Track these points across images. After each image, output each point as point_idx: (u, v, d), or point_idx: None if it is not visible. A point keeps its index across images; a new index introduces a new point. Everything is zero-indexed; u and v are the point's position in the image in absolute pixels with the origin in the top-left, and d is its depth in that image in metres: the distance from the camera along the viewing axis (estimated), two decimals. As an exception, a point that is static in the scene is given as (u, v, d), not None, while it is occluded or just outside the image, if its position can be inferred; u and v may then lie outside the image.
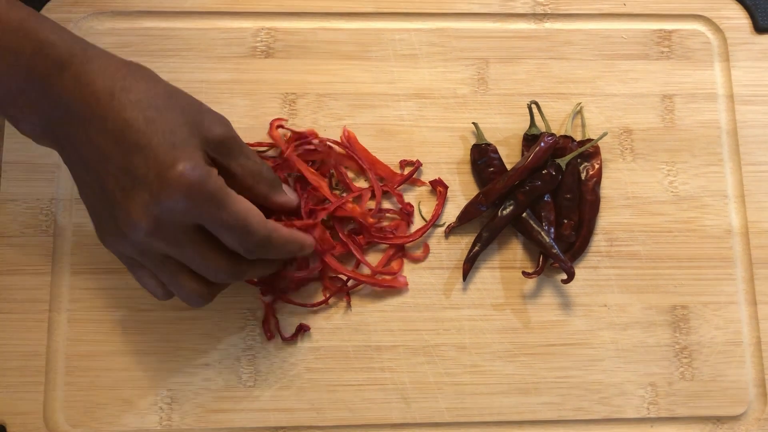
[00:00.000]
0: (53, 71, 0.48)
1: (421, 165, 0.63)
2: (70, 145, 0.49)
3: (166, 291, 0.53)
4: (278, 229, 0.52)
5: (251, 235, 0.50)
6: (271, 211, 0.56)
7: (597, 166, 0.63)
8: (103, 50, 0.51)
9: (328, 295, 0.60)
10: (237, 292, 0.61)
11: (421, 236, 0.61)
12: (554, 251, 0.60)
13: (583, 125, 0.65)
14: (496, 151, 0.64)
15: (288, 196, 0.57)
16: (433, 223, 0.61)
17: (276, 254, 0.53)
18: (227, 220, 0.48)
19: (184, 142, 0.48)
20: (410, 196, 0.63)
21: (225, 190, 0.49)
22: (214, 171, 0.49)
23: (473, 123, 0.64)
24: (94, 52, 0.49)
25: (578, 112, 0.66)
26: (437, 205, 0.62)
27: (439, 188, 0.62)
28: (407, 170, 0.63)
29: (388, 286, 0.60)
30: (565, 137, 0.64)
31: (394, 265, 0.61)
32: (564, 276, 0.61)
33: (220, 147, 0.51)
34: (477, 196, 0.62)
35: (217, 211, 0.48)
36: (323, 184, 0.60)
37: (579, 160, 0.64)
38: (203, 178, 0.47)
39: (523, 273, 0.61)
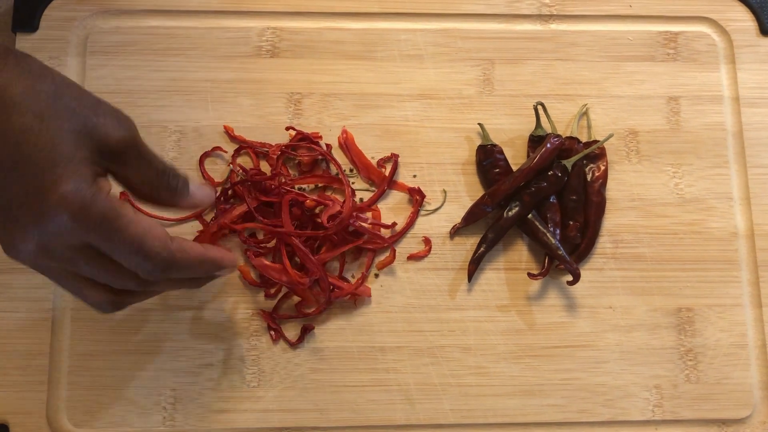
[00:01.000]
0: None
1: (398, 157, 0.62)
2: None
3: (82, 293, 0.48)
4: (185, 249, 0.45)
5: (149, 260, 0.43)
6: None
7: (603, 168, 0.63)
8: None
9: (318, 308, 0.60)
10: (241, 292, 0.61)
11: (390, 243, 0.60)
12: (560, 253, 0.60)
13: (589, 126, 0.65)
14: (501, 152, 0.64)
15: (198, 195, 0.49)
16: (405, 231, 0.61)
17: (186, 275, 0.47)
18: (120, 245, 0.42)
19: (68, 156, 0.41)
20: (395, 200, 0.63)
21: (116, 211, 0.42)
22: (105, 189, 0.43)
23: (479, 124, 0.64)
24: None
25: (584, 113, 0.65)
26: (412, 213, 0.61)
27: (416, 196, 0.62)
28: (387, 168, 0.62)
29: (352, 295, 0.59)
30: (571, 138, 0.64)
31: (388, 256, 0.60)
32: (569, 278, 0.60)
33: (117, 155, 0.44)
34: (482, 197, 0.62)
35: (108, 236, 0.42)
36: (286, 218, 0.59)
37: (585, 162, 0.63)
38: (89, 201, 0.41)
39: (529, 274, 0.61)
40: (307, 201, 0.59)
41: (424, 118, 0.64)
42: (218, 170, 0.63)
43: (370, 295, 0.59)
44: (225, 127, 0.63)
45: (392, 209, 0.62)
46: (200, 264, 0.47)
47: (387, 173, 0.62)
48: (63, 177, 0.40)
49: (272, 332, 0.59)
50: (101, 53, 0.64)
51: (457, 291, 0.61)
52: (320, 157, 0.62)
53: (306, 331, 0.60)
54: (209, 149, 0.63)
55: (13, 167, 0.40)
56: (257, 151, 0.62)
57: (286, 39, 0.65)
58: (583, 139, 0.65)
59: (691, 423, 0.59)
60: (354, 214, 0.59)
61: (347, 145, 0.62)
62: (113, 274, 0.44)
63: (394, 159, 0.62)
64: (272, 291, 0.60)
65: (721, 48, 0.67)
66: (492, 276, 0.62)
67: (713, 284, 0.62)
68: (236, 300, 0.60)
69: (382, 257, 0.61)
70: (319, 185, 0.62)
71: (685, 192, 0.64)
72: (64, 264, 0.44)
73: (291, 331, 0.60)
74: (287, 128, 0.63)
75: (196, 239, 0.60)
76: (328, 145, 0.63)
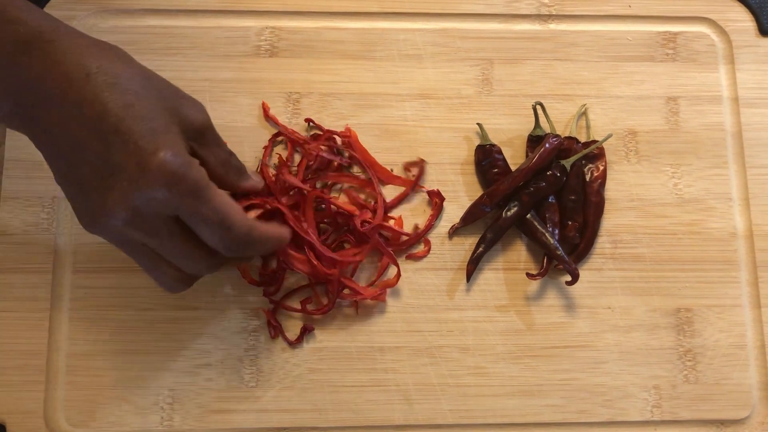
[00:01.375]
0: (20, 49, 0.44)
1: (426, 163, 0.62)
2: (41, 130, 0.46)
3: (167, 270, 0.51)
4: (258, 225, 0.50)
5: (232, 231, 0.47)
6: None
7: (602, 168, 0.63)
8: (75, 29, 0.47)
9: (328, 302, 0.60)
10: (240, 291, 0.60)
11: (411, 245, 0.61)
12: (558, 253, 0.60)
13: (588, 127, 0.65)
14: (500, 152, 0.63)
15: (254, 180, 0.55)
16: (425, 233, 0.61)
17: (254, 251, 0.51)
18: (208, 214, 0.46)
19: (164, 128, 0.46)
20: (409, 204, 0.63)
21: (207, 181, 0.46)
22: (196, 161, 0.47)
23: (478, 124, 0.64)
24: (65, 30, 0.46)
25: (583, 113, 0.65)
26: (431, 215, 0.61)
27: (435, 199, 0.62)
28: (410, 173, 0.63)
29: (363, 297, 0.59)
30: (570, 138, 0.64)
31: (392, 279, 0.60)
32: (568, 278, 0.60)
33: (198, 135, 0.49)
34: (481, 197, 0.62)
35: (198, 204, 0.46)
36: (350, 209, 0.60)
37: (584, 162, 0.63)
38: (185, 168, 0.45)
39: (527, 275, 0.60)
40: (335, 203, 0.60)
41: (422, 118, 0.64)
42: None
43: (385, 300, 0.59)
44: (264, 104, 0.63)
45: (408, 210, 0.62)
46: (270, 240, 0.51)
47: (408, 177, 0.63)
48: (162, 145, 0.44)
49: (272, 329, 0.59)
50: (99, 52, 0.63)
51: (455, 291, 0.61)
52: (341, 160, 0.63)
53: (306, 332, 0.59)
54: None
55: (116, 137, 0.44)
56: (295, 142, 0.62)
57: (285, 38, 0.65)
58: (582, 139, 0.65)
59: (689, 423, 0.59)
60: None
61: (351, 143, 0.62)
62: (190, 251, 0.48)
63: (420, 164, 0.62)
64: (271, 290, 0.60)
65: (721, 48, 0.67)
66: (491, 276, 0.61)
67: (712, 285, 0.61)
68: (235, 300, 0.60)
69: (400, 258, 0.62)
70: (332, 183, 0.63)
71: (684, 192, 0.63)
72: (149, 236, 0.47)
73: (290, 332, 0.60)
74: (306, 120, 0.63)
75: None
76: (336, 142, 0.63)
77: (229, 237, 0.48)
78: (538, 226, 0.61)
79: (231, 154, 0.53)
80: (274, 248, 0.53)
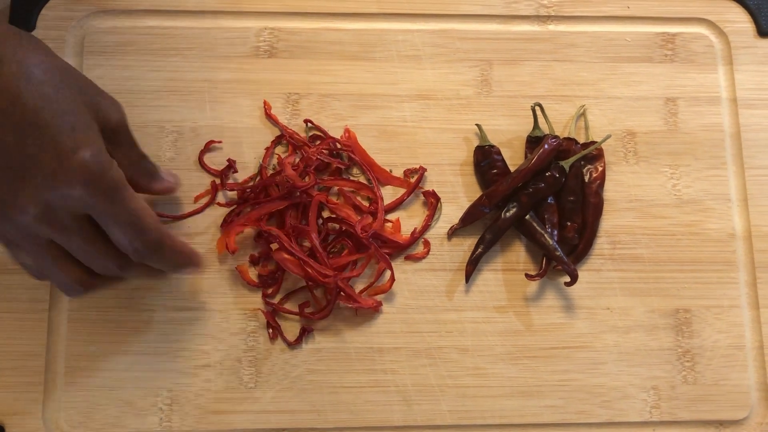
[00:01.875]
0: None
1: (426, 171, 0.63)
2: None
3: (43, 273, 0.50)
4: (171, 236, 0.49)
5: (144, 234, 0.47)
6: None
7: (600, 169, 0.63)
8: None
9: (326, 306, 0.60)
10: (238, 293, 0.60)
11: (407, 247, 0.61)
12: (557, 254, 0.60)
13: (587, 128, 0.65)
14: (499, 153, 0.63)
15: (167, 181, 0.55)
16: (422, 234, 0.61)
17: (162, 262, 0.50)
18: (121, 215, 0.45)
19: (84, 125, 0.44)
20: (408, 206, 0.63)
21: (124, 183, 0.45)
22: (115, 162, 0.46)
23: (476, 125, 0.64)
24: None
25: (582, 114, 0.65)
26: (427, 216, 0.61)
27: (431, 199, 0.62)
28: (412, 179, 0.63)
29: (360, 306, 0.59)
30: (569, 139, 0.64)
31: (386, 284, 0.60)
32: (567, 279, 0.60)
33: (113, 134, 0.48)
34: (480, 197, 0.62)
35: (112, 205, 0.45)
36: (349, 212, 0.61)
37: (582, 163, 0.63)
38: (104, 168, 0.44)
39: (526, 275, 0.60)
40: (338, 208, 0.60)
41: (421, 119, 0.64)
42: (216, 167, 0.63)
43: (377, 310, 0.59)
44: (265, 103, 0.62)
45: (406, 211, 0.62)
46: (179, 255, 0.50)
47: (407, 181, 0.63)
48: (83, 144, 0.43)
49: (270, 330, 0.59)
50: (98, 53, 0.64)
51: (454, 292, 0.61)
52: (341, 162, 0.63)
53: (305, 333, 0.59)
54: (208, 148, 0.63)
55: (32, 130, 0.42)
56: (295, 144, 0.62)
57: (284, 39, 0.65)
58: (581, 140, 0.65)
59: (688, 424, 0.59)
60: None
61: (351, 144, 0.62)
62: (100, 251, 0.47)
63: (420, 171, 0.62)
64: (269, 291, 0.60)
65: (719, 49, 0.67)
66: (490, 277, 0.61)
67: (711, 285, 0.61)
68: (234, 301, 0.60)
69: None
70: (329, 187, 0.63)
71: (683, 193, 0.63)
72: (58, 232, 0.45)
73: (289, 333, 0.60)
74: (305, 121, 0.63)
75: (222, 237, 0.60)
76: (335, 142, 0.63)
77: (139, 240, 0.47)
78: (537, 227, 0.61)
79: (143, 156, 0.52)
80: (183, 266, 0.51)
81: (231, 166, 0.62)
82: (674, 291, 0.61)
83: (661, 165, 0.64)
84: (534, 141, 0.63)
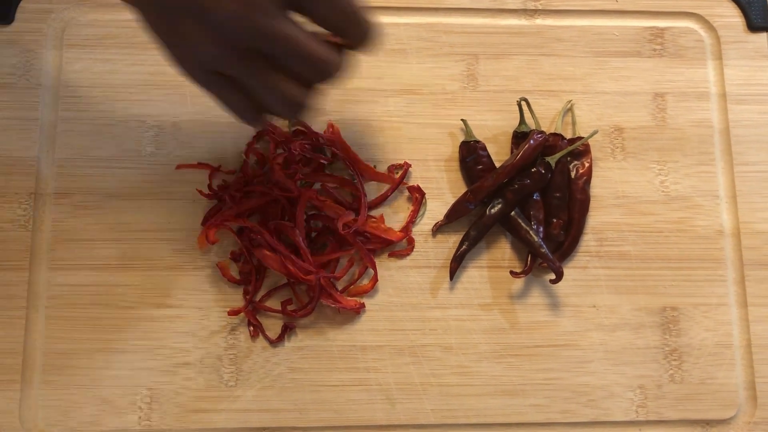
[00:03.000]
0: None
1: (410, 166, 0.62)
2: None
3: (253, 106, 0.49)
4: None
5: (320, 58, 0.46)
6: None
7: (587, 165, 0.62)
8: None
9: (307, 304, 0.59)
10: (220, 290, 0.60)
11: (392, 244, 0.60)
12: (542, 251, 0.59)
13: (574, 123, 0.64)
14: (485, 149, 0.63)
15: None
16: (406, 230, 0.60)
17: (329, 73, 0.47)
18: (284, 38, 0.45)
19: None
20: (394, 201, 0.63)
21: (281, 9, 0.44)
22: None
23: (462, 120, 0.63)
24: None
25: (569, 109, 0.65)
26: (412, 211, 0.60)
27: (415, 195, 0.61)
28: (397, 175, 0.62)
29: (342, 307, 0.59)
30: (555, 135, 0.63)
31: (368, 284, 0.59)
32: (552, 276, 0.60)
33: None
34: (465, 193, 0.61)
35: (287, 37, 0.45)
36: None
37: (569, 159, 0.63)
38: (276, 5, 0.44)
39: (511, 273, 0.60)
40: (325, 206, 0.59)
41: (407, 114, 0.63)
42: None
43: (359, 312, 0.59)
44: None
45: (390, 207, 0.62)
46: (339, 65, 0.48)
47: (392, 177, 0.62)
48: None
49: (251, 328, 0.58)
50: (78, 46, 0.63)
51: (438, 289, 0.60)
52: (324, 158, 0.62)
53: (287, 330, 0.59)
54: (187, 144, 0.62)
55: None
56: (277, 139, 0.61)
57: (267, 32, 0.64)
58: (568, 135, 0.64)
59: (675, 423, 0.59)
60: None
61: (334, 139, 0.61)
62: (277, 81, 0.46)
63: (405, 167, 0.61)
64: (250, 288, 0.59)
65: (708, 44, 0.66)
66: (474, 274, 0.61)
67: (698, 283, 0.61)
68: (214, 298, 0.59)
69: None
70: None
71: (671, 190, 0.63)
72: (237, 64, 0.45)
73: (270, 331, 0.59)
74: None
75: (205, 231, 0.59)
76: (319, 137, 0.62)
77: (318, 61, 0.46)
78: (522, 224, 0.60)
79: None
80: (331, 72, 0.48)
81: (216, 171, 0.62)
82: (661, 289, 0.61)
83: (649, 161, 0.63)
84: (520, 136, 0.63)
